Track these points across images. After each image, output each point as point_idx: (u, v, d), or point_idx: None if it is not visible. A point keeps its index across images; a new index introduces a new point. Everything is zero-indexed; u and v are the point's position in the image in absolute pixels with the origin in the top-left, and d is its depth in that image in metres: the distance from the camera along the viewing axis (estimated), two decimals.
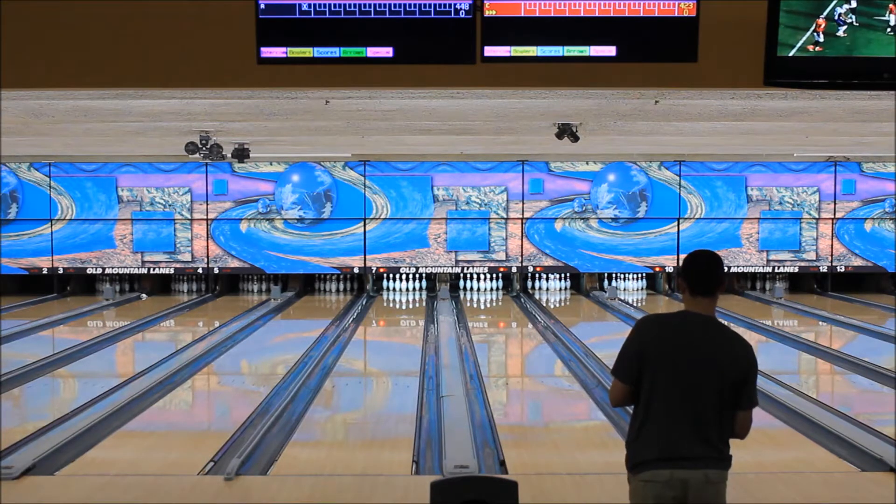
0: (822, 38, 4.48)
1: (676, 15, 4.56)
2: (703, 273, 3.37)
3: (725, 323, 3.46)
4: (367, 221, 15.78)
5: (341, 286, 16.37)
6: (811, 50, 4.47)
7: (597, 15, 4.56)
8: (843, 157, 15.36)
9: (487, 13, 4.55)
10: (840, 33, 4.47)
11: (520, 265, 15.93)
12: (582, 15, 4.56)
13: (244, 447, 6.01)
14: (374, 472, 5.65)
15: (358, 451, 6.41)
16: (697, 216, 15.88)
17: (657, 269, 15.95)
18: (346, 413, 7.79)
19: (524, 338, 12.49)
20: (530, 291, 16.07)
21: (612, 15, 4.56)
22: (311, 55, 4.62)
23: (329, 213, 15.80)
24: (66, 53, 4.92)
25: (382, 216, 15.78)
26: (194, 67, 4.98)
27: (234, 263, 15.87)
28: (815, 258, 16.02)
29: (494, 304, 15.30)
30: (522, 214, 15.83)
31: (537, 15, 4.56)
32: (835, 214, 15.90)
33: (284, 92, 6.21)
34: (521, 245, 15.89)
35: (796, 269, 16.08)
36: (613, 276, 16.20)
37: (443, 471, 5.52)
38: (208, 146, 10.10)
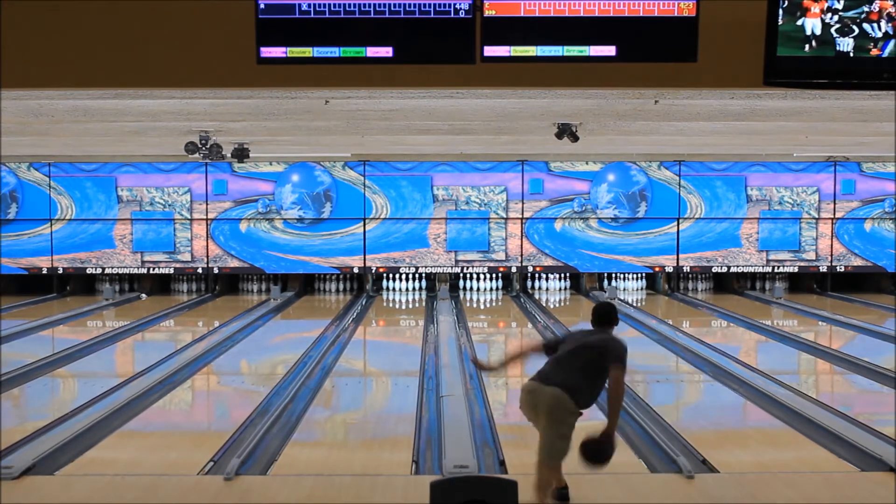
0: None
1: (676, 15, 4.56)
2: (601, 316, 5.11)
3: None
4: (366, 221, 15.78)
5: (341, 286, 16.37)
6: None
7: (596, 15, 4.57)
8: (843, 157, 15.37)
9: (487, 13, 4.55)
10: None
11: (519, 265, 15.93)
12: (582, 15, 4.57)
13: (244, 447, 6.01)
14: (374, 472, 5.65)
15: (358, 451, 6.40)
16: (697, 216, 15.87)
17: (657, 268, 15.95)
18: (345, 413, 7.79)
19: (524, 338, 12.49)
20: (530, 291, 16.07)
21: (611, 15, 4.57)
22: (311, 55, 4.62)
23: (329, 213, 15.80)
24: (66, 53, 4.92)
25: (382, 216, 15.78)
26: (194, 67, 4.98)
27: (234, 263, 15.87)
28: (814, 258, 16.02)
29: (494, 304, 15.30)
30: (522, 214, 15.83)
31: (537, 15, 4.56)
32: (834, 214, 15.90)
33: (284, 92, 6.21)
34: (521, 245, 15.89)
35: (796, 269, 16.07)
36: (613, 275, 16.21)
37: (442, 470, 5.52)
38: (208, 146, 10.11)
